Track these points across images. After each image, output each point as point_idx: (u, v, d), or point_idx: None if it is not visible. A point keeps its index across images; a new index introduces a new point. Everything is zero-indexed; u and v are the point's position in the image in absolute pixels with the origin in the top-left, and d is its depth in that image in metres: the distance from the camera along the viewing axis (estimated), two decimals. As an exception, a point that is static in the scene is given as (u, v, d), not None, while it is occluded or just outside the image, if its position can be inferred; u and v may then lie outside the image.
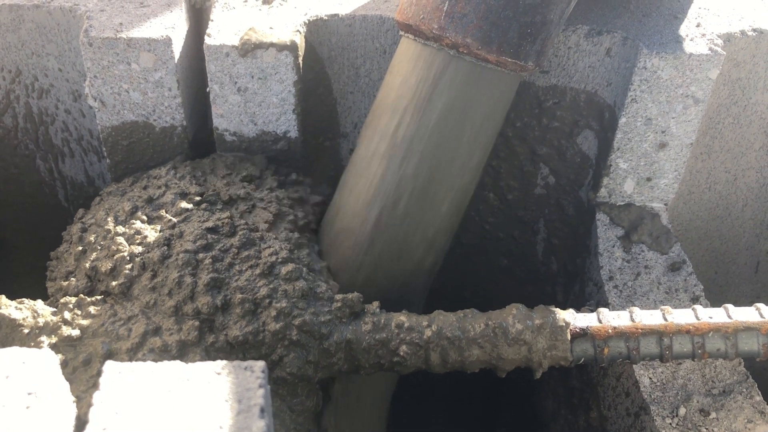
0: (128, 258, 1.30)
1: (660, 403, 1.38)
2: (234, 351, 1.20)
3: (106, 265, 1.30)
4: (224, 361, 0.82)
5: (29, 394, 0.77)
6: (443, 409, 2.25)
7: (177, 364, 0.82)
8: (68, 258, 1.40)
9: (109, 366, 0.81)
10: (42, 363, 0.81)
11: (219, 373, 0.81)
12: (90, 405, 1.06)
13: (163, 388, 0.79)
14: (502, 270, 1.97)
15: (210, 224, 1.34)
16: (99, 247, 1.35)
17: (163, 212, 1.39)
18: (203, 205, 1.39)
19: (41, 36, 1.53)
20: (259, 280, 1.26)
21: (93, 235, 1.39)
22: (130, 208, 1.40)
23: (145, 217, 1.39)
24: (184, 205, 1.39)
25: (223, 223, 1.35)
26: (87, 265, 1.33)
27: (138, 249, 1.31)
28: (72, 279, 1.35)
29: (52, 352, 0.83)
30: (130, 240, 1.34)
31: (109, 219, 1.39)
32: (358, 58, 1.59)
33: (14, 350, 0.81)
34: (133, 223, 1.37)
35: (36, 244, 1.88)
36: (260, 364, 0.82)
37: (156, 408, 0.77)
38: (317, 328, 1.23)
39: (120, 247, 1.32)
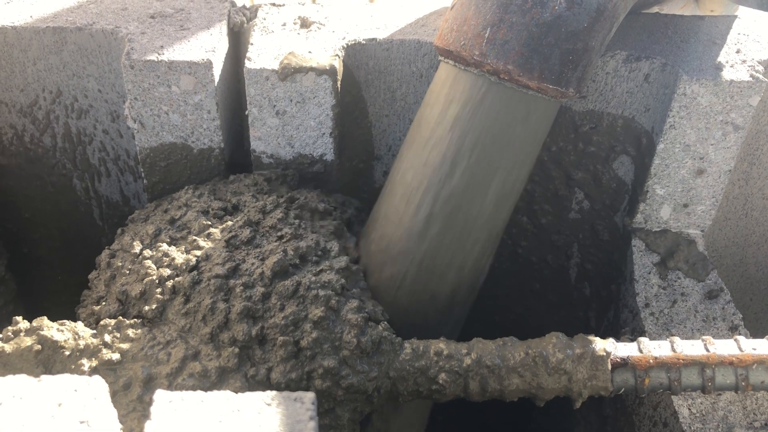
0: (157, 281, 1.30)
1: (700, 435, 1.36)
2: (273, 388, 1.19)
3: (136, 289, 1.30)
4: (274, 392, 0.82)
5: (81, 422, 0.77)
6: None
7: (227, 394, 0.82)
8: (98, 284, 1.41)
9: (160, 395, 0.81)
10: (93, 391, 0.81)
11: (269, 404, 0.81)
12: (132, 430, 1.06)
13: (214, 419, 0.79)
14: (534, 294, 1.95)
15: (233, 239, 1.33)
16: (127, 271, 1.35)
17: (186, 232, 1.39)
18: (228, 224, 1.39)
19: (83, 58, 1.55)
20: (304, 324, 1.22)
21: (120, 261, 1.39)
22: (153, 231, 1.41)
23: (169, 239, 1.39)
24: (206, 222, 1.39)
25: (249, 247, 1.33)
26: (117, 289, 1.33)
27: (167, 272, 1.31)
28: (103, 303, 1.35)
29: (102, 380, 0.83)
30: (158, 263, 1.34)
31: (135, 243, 1.39)
32: (394, 82, 1.59)
33: (66, 377, 0.82)
34: (159, 246, 1.37)
35: (70, 263, 1.89)
36: (310, 396, 0.82)
37: (207, 439, 0.77)
38: (364, 387, 1.21)
39: (149, 271, 1.32)
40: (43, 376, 0.81)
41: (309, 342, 1.20)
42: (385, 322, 1.27)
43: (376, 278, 1.40)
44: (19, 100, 1.61)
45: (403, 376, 1.23)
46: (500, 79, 1.30)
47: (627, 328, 1.64)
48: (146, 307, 1.27)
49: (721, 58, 1.52)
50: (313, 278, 1.27)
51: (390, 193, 1.44)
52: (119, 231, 1.50)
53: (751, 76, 1.47)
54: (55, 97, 1.61)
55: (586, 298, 1.89)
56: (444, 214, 1.37)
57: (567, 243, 1.82)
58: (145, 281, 1.30)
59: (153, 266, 1.33)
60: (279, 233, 1.37)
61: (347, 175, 1.70)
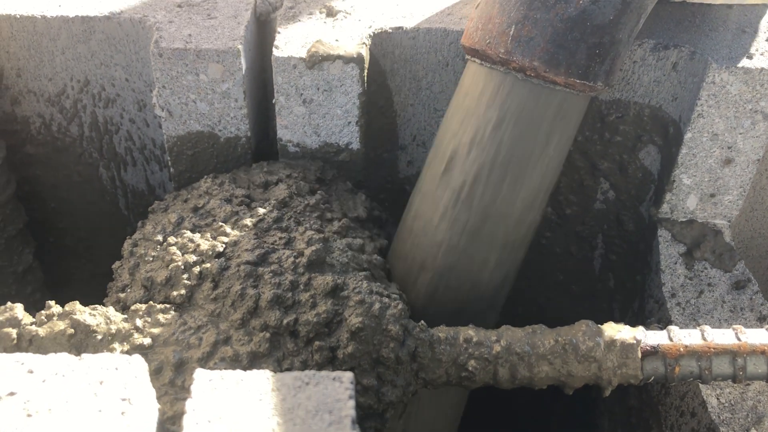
0: (183, 267, 1.30)
1: (730, 425, 1.35)
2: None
3: (161, 275, 1.31)
4: (313, 371, 0.82)
5: (123, 399, 0.78)
6: (494, 427, 2.23)
7: (266, 373, 0.82)
8: (122, 272, 1.41)
9: (200, 374, 0.81)
10: (133, 369, 0.81)
11: (308, 383, 0.81)
12: (164, 413, 1.07)
13: (254, 397, 0.79)
14: (557, 285, 1.95)
15: (260, 223, 1.33)
16: (151, 259, 1.36)
17: (210, 219, 1.40)
18: (258, 210, 1.39)
19: (110, 47, 1.56)
20: (339, 331, 1.20)
21: (143, 249, 1.40)
22: (176, 219, 1.41)
23: (192, 226, 1.39)
24: (231, 209, 1.39)
25: (279, 233, 1.34)
26: (142, 276, 1.33)
27: (192, 258, 1.31)
28: (128, 290, 1.36)
29: (142, 359, 0.84)
30: (182, 249, 1.34)
31: (157, 231, 1.40)
32: (420, 71, 1.59)
33: (106, 356, 0.82)
34: (183, 233, 1.37)
35: (96, 252, 1.91)
36: (348, 375, 0.82)
37: (248, 416, 0.77)
38: (400, 400, 1.21)
39: (174, 257, 1.32)
40: (84, 355, 0.82)
41: (345, 356, 1.19)
42: (423, 322, 1.26)
43: (408, 277, 1.40)
44: (48, 89, 1.63)
45: (435, 371, 1.23)
46: (527, 76, 1.30)
47: (652, 318, 1.64)
48: (174, 293, 1.27)
49: (751, 46, 1.51)
50: (364, 283, 1.25)
51: (420, 194, 1.43)
52: (140, 223, 1.51)
53: (781, 64, 1.46)
54: (83, 87, 1.62)
55: (610, 290, 1.88)
56: (474, 214, 1.36)
57: (592, 234, 1.82)
58: (170, 267, 1.31)
59: (178, 252, 1.33)
60: (311, 220, 1.38)
61: (371, 164, 1.70)
